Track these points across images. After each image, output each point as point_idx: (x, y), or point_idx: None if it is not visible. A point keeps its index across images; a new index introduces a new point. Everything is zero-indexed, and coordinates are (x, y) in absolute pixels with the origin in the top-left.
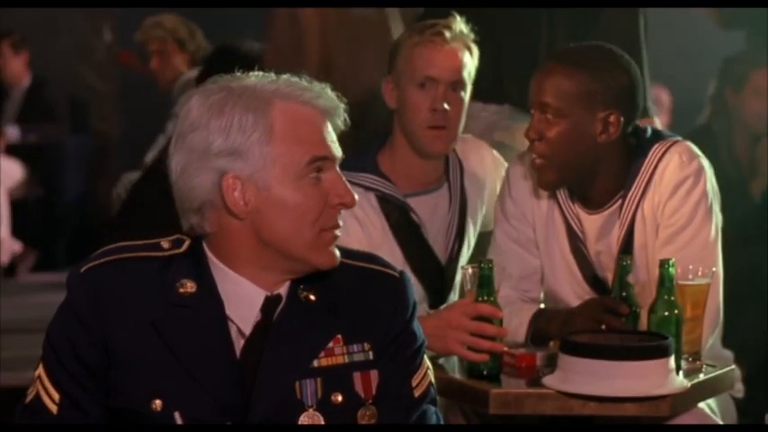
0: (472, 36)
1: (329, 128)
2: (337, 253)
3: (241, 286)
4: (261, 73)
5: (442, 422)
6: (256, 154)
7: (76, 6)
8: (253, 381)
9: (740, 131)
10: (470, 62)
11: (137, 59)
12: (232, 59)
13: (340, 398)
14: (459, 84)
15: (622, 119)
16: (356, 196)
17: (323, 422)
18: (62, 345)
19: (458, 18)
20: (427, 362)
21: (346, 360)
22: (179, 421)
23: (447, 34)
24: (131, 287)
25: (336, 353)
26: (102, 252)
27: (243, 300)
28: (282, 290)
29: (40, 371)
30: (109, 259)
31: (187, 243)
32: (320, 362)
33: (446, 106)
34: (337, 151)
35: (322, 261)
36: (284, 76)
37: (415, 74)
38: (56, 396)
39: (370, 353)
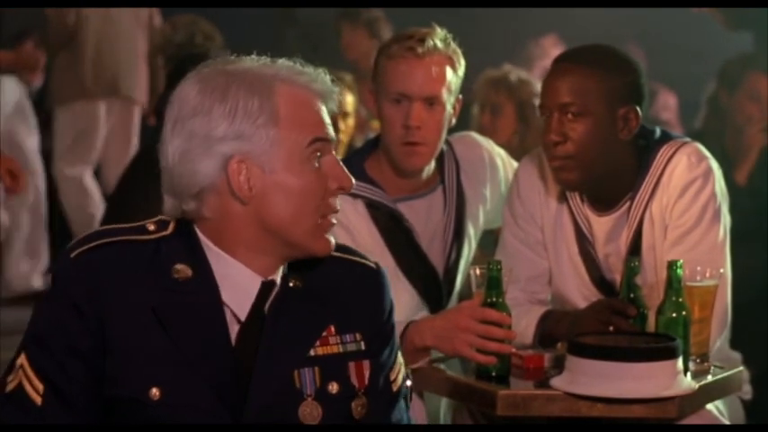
0: (453, 47)
1: (324, 111)
2: (332, 240)
3: (236, 271)
4: (255, 57)
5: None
6: (263, 138)
7: (78, 6)
8: (251, 369)
9: (732, 134)
10: (451, 76)
11: None
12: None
13: (336, 387)
14: (435, 99)
15: (640, 113)
16: (353, 180)
17: (321, 411)
18: (52, 333)
19: (437, 30)
20: (400, 357)
21: (341, 350)
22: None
23: (419, 49)
24: (127, 271)
25: (331, 342)
26: (87, 237)
27: (238, 285)
28: (277, 276)
29: (23, 360)
30: (98, 243)
31: (172, 225)
32: (316, 351)
33: (419, 123)
34: (333, 134)
35: (319, 247)
36: (280, 60)
37: (389, 89)
38: (39, 387)
39: (362, 343)
